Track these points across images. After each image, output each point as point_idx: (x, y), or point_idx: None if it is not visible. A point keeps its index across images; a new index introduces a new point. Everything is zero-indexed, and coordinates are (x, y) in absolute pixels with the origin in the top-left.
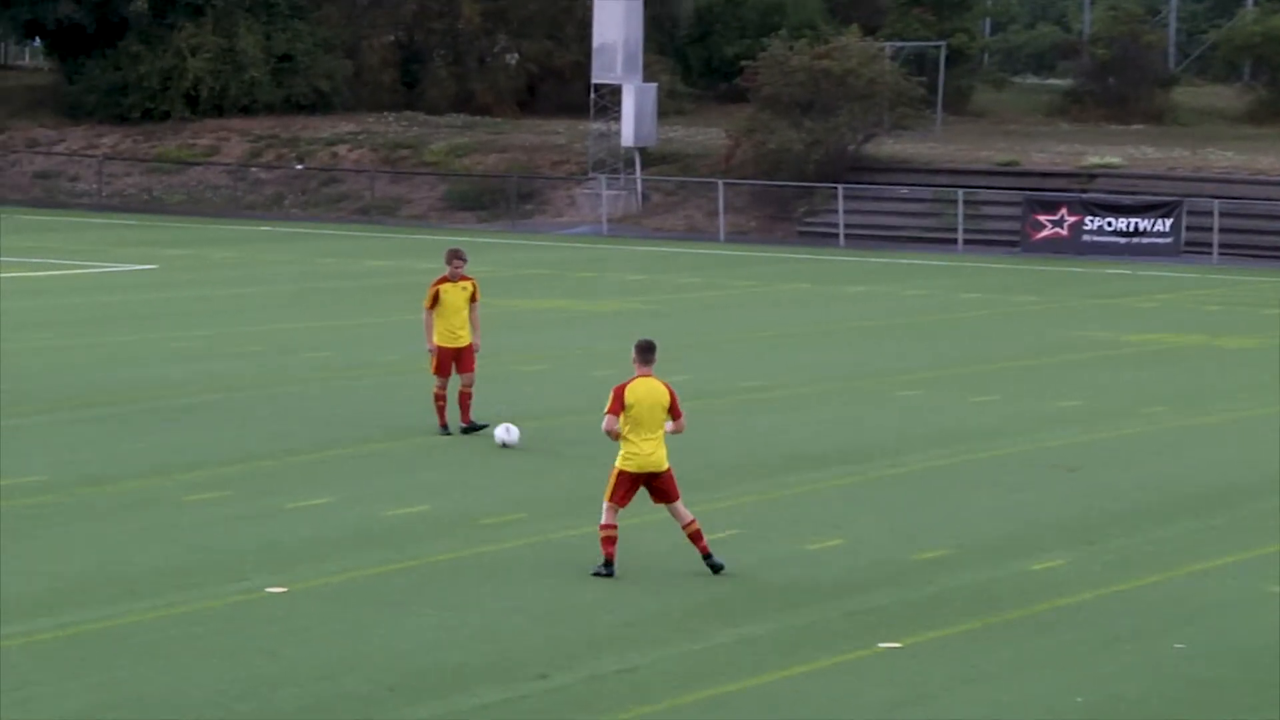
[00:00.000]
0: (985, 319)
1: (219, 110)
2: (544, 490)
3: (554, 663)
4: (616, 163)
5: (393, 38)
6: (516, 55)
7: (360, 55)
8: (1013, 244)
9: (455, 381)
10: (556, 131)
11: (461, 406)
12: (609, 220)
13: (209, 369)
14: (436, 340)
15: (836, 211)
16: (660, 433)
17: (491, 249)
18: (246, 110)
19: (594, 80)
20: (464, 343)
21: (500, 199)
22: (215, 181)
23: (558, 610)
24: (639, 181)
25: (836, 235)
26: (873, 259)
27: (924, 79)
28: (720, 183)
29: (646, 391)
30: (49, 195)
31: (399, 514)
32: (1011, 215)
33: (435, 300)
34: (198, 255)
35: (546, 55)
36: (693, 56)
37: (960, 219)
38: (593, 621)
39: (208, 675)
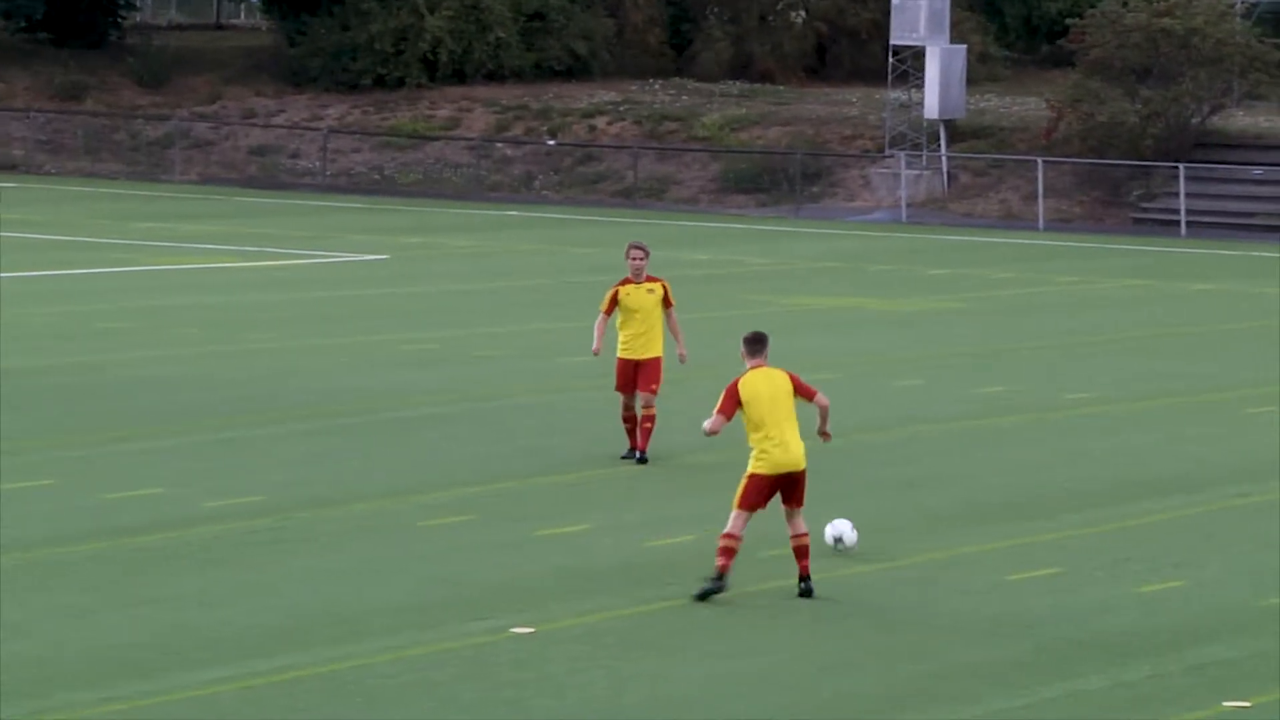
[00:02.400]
0: None
1: (460, 77)
2: (833, 519)
3: None
4: (919, 137)
5: None
6: (803, 13)
7: (623, 13)
8: None
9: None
10: (849, 101)
11: (641, 433)
12: (909, 204)
13: (448, 375)
14: (619, 352)
15: (1178, 195)
16: (794, 423)
17: (772, 237)
18: (492, 77)
19: (893, 42)
20: (648, 355)
21: (783, 180)
22: (455, 159)
23: (848, 658)
24: (944, 160)
25: (1177, 223)
26: (1220, 251)
27: None
28: (1040, 161)
29: (765, 383)
30: (267, 173)
31: (664, 545)
32: None
33: (613, 304)
34: (435, 243)
35: (838, 13)
36: (1009, 14)
37: None
38: (891, 672)
39: None
